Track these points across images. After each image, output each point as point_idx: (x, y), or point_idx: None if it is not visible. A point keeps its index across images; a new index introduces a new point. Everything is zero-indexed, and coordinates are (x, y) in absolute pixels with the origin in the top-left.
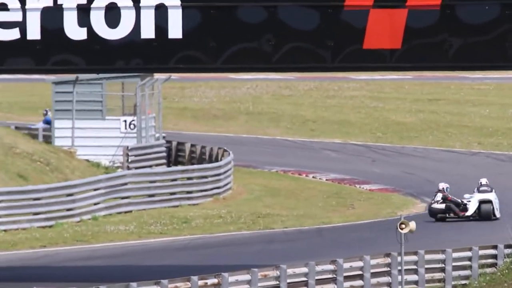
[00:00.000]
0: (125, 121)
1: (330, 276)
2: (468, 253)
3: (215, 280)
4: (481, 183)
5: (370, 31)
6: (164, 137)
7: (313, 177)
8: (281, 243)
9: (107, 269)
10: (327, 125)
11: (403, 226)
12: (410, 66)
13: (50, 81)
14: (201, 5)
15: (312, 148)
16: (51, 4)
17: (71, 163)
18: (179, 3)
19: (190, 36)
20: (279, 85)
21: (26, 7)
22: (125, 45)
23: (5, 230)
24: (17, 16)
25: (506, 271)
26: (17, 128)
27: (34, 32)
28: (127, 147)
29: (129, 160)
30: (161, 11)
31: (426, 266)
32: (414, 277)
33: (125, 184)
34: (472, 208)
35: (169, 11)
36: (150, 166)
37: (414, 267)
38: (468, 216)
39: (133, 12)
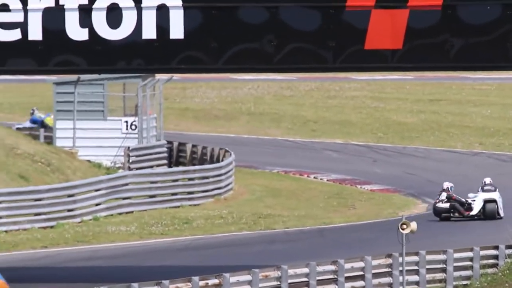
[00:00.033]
0: (126, 121)
1: (331, 276)
2: (469, 254)
3: (216, 281)
4: (485, 182)
5: (372, 31)
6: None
7: (314, 177)
8: (282, 243)
9: (108, 269)
10: (328, 125)
11: (405, 226)
12: (412, 67)
13: (51, 82)
14: (203, 5)
15: (313, 149)
16: (52, 4)
17: (72, 163)
18: (180, 3)
19: (192, 36)
20: (281, 85)
21: (28, 7)
22: (126, 45)
23: (6, 231)
24: (18, 17)
25: (507, 271)
26: None
27: (35, 33)
28: (128, 147)
29: (130, 161)
30: (162, 12)
31: (427, 266)
32: (415, 278)
33: (126, 184)
34: (476, 208)
35: (171, 11)
36: (151, 167)
37: (416, 267)
38: (472, 216)
39: (134, 13)
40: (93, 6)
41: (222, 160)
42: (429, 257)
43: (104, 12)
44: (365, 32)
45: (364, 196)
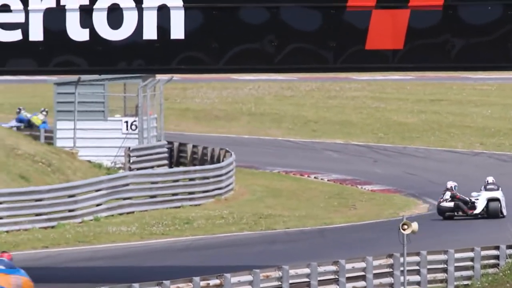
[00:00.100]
0: (127, 122)
1: (332, 277)
2: (470, 254)
3: (217, 281)
4: (487, 181)
5: (373, 31)
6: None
7: (314, 177)
8: (283, 243)
9: (109, 270)
10: (328, 125)
11: (406, 227)
12: (413, 67)
13: (52, 82)
14: (203, 6)
15: (314, 149)
16: (53, 5)
17: (73, 164)
18: (181, 4)
19: (192, 37)
20: (281, 86)
21: (29, 8)
22: (127, 46)
23: (7, 231)
24: (19, 17)
25: (508, 271)
26: None
27: (36, 33)
28: (129, 148)
29: (131, 161)
30: (163, 12)
31: (428, 266)
32: (416, 278)
33: (127, 185)
34: (480, 206)
35: (171, 12)
36: (152, 167)
37: (417, 267)
38: (476, 214)
39: (135, 13)
40: (94, 7)
41: (223, 161)
42: (430, 257)
43: (105, 13)
44: (366, 32)
45: (364, 196)
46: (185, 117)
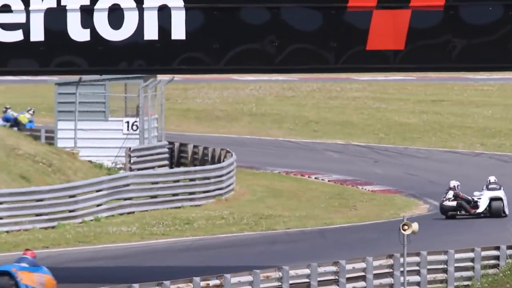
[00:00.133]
0: (127, 122)
1: (332, 277)
2: (470, 254)
3: (217, 281)
4: (489, 180)
5: (374, 32)
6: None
7: (315, 178)
8: (284, 244)
9: (109, 270)
10: (329, 126)
11: (406, 227)
12: (414, 67)
13: (53, 83)
14: (204, 6)
15: (315, 149)
16: (54, 5)
17: (73, 164)
18: (182, 4)
19: (193, 37)
20: (282, 86)
21: (30, 8)
22: (128, 46)
23: (7, 231)
24: (20, 18)
25: (509, 272)
26: None
27: (37, 34)
28: (130, 148)
29: (132, 161)
30: (164, 12)
31: (429, 267)
32: (416, 278)
33: (128, 185)
34: (483, 205)
35: (172, 12)
36: (153, 167)
37: (417, 268)
38: (479, 213)
39: (136, 14)
40: (95, 7)
41: (224, 161)
42: (430, 258)
43: (106, 13)
44: (367, 33)
45: (365, 197)
46: (186, 117)
